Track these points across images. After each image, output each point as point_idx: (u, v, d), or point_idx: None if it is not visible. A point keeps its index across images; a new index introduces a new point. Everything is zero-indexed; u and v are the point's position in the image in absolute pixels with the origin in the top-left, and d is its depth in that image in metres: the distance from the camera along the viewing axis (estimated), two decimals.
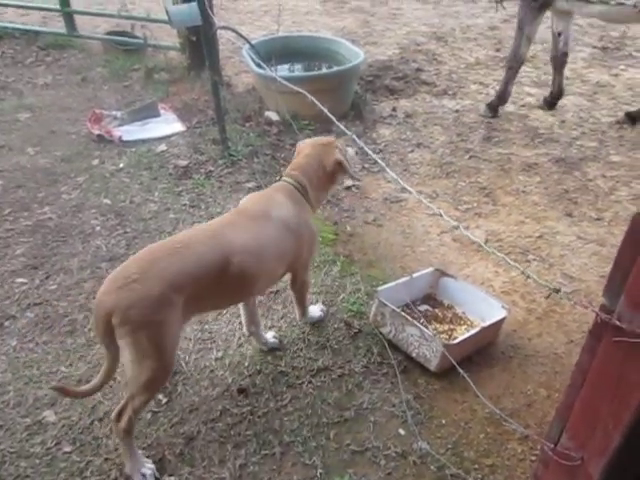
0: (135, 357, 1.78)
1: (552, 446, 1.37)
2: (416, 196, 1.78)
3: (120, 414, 1.87)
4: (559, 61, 4.73)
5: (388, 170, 2.06)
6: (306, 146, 2.41)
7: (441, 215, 1.53)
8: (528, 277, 1.16)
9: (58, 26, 6.61)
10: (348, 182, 3.90)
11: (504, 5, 4.93)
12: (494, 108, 4.79)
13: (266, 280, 2.19)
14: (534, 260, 3.15)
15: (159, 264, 1.81)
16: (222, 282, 1.93)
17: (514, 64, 4.66)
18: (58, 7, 6.30)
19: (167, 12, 3.64)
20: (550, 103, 4.91)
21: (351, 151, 2.51)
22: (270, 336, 2.53)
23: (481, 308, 2.59)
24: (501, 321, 2.50)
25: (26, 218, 3.44)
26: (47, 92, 5.26)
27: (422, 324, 2.34)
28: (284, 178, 2.30)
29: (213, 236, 1.98)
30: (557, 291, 1.11)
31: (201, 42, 3.88)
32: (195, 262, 1.86)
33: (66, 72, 5.69)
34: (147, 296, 1.73)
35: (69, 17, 6.31)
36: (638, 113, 4.62)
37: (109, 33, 6.19)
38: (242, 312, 2.51)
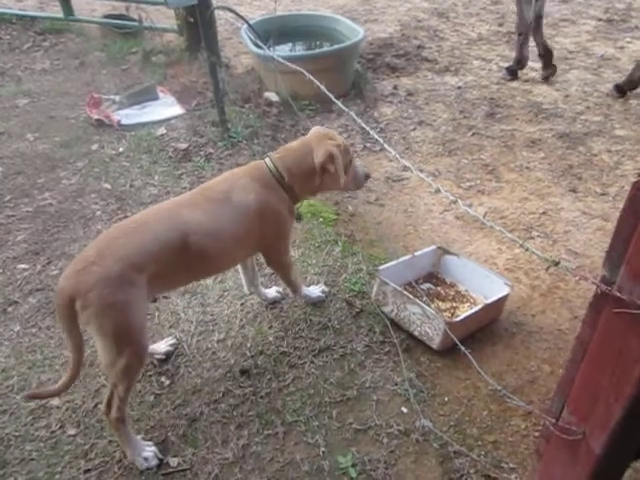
0: (104, 343, 1.75)
1: (554, 421, 1.35)
2: (415, 172, 1.75)
3: (109, 405, 1.86)
4: (536, 24, 4.76)
5: (388, 147, 2.03)
6: (311, 133, 2.31)
7: (439, 190, 1.51)
8: (527, 250, 1.14)
9: (55, 10, 6.55)
10: None
11: None
12: (513, 72, 4.97)
13: (227, 259, 2.17)
14: (538, 237, 3.12)
15: (116, 244, 1.79)
16: (182, 260, 1.91)
17: (522, 29, 4.78)
18: None
19: None
20: (546, 65, 4.91)
21: (361, 168, 2.42)
22: (273, 290, 2.63)
23: (484, 285, 2.57)
24: (504, 298, 2.47)
25: (26, 204, 3.43)
26: (45, 77, 5.22)
27: (424, 302, 2.32)
28: (265, 159, 2.22)
29: (170, 215, 1.95)
30: (556, 263, 1.09)
31: (199, 23, 3.82)
32: (152, 240, 1.84)
33: (64, 57, 5.65)
34: (106, 277, 1.71)
35: (66, 1, 6.23)
36: (626, 84, 4.57)
37: (106, 16, 6.13)
38: (241, 273, 2.55)
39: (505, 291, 2.46)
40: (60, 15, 6.34)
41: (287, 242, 2.34)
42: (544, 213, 3.31)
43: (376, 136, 2.15)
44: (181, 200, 2.09)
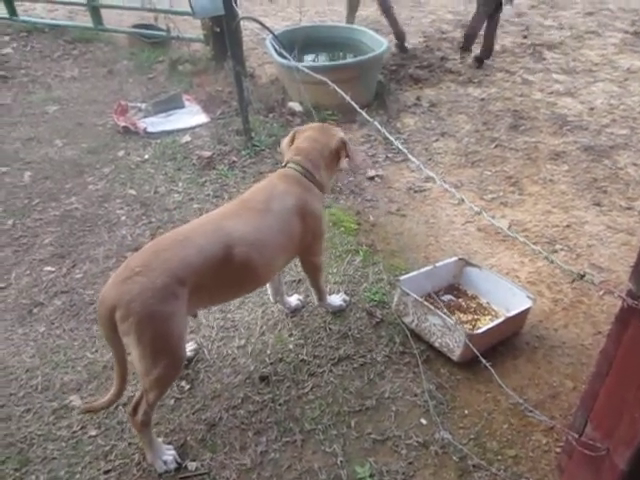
0: (142, 353, 1.75)
1: (576, 436, 1.34)
2: (439, 182, 1.76)
3: (135, 408, 1.88)
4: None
5: (412, 157, 2.04)
6: (305, 130, 2.40)
7: (463, 200, 1.51)
8: (552, 262, 1.13)
9: (85, 20, 6.72)
10: (371, 172, 3.88)
11: None
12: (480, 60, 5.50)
13: (270, 270, 2.17)
14: (561, 250, 3.08)
15: (162, 256, 1.80)
16: (225, 273, 1.92)
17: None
18: (84, 1, 6.39)
19: (190, 2, 3.65)
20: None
21: (354, 148, 2.56)
22: (294, 299, 2.65)
23: (506, 298, 2.54)
24: (526, 311, 2.45)
25: (54, 208, 3.50)
26: (74, 85, 5.35)
27: (445, 313, 2.31)
28: (289, 164, 2.27)
29: (213, 229, 1.97)
30: (582, 276, 1.08)
31: (224, 33, 3.88)
32: (197, 254, 1.85)
33: (92, 65, 5.78)
34: (150, 288, 1.72)
35: (95, 11, 6.40)
36: (483, 54, 5.32)
37: (134, 26, 6.27)
38: (268, 284, 2.56)
39: (527, 304, 2.44)
40: (90, 25, 6.51)
41: (323, 241, 2.40)
42: (568, 226, 3.27)
43: (399, 146, 2.16)
44: (223, 212, 2.11)
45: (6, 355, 2.46)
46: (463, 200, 1.51)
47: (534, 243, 3.13)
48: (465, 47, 5.62)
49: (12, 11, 6.69)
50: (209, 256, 1.87)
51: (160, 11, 5.74)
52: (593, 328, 2.57)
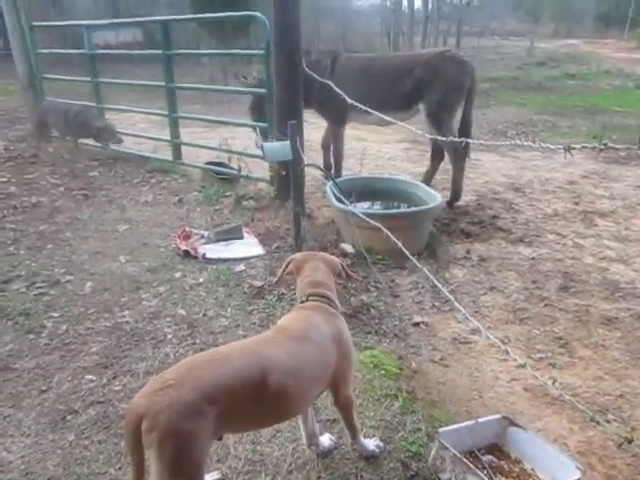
0: (161, 469, 1.72)
1: None
2: (484, 331, 1.76)
3: None
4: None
5: (457, 304, 2.07)
6: (305, 260, 2.49)
7: (507, 352, 1.50)
8: (598, 423, 1.09)
9: (166, 154, 7.46)
10: (417, 318, 3.89)
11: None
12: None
13: (303, 401, 2.14)
14: (614, 420, 2.89)
15: (195, 372, 1.82)
16: (258, 399, 1.91)
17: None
18: (169, 138, 7.16)
19: (261, 147, 4.04)
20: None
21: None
22: (326, 438, 2.55)
23: (552, 466, 2.36)
24: None
25: (106, 319, 3.64)
26: (146, 209, 5.80)
27: (486, 475, 2.17)
28: (312, 297, 2.33)
29: (252, 351, 2.00)
30: (630, 441, 1.03)
31: (289, 176, 4.21)
32: (231, 374, 1.86)
33: (166, 193, 6.30)
34: (178, 402, 1.72)
35: (177, 147, 7.13)
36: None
37: (208, 163, 6.89)
38: (302, 428, 2.50)
39: (576, 476, 2.25)
40: (169, 158, 7.23)
41: (353, 371, 2.37)
42: (621, 396, 3.10)
43: (447, 294, 2.21)
44: (262, 338, 2.17)
45: (32, 460, 2.45)
46: (507, 352, 1.50)
47: (584, 410, 2.96)
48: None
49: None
50: (243, 378, 1.88)
51: (234, 152, 6.32)
52: None
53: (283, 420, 2.28)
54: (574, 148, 1.66)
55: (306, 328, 2.17)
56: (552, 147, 1.89)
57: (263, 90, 5.87)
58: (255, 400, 1.91)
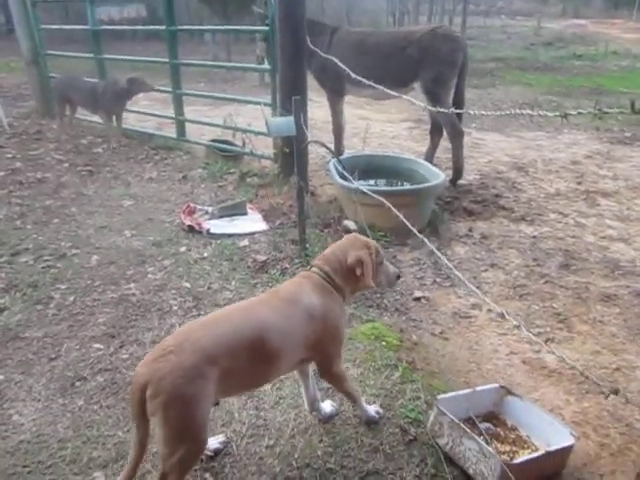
0: (166, 433, 1.79)
1: None
2: (487, 300, 1.81)
3: None
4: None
5: (464, 279, 2.13)
6: (346, 238, 2.50)
7: (503, 315, 1.55)
8: (587, 377, 1.14)
9: (170, 131, 7.48)
10: (418, 293, 3.95)
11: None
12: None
13: (286, 363, 2.18)
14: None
15: (195, 335, 1.89)
16: (253, 358, 1.98)
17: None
18: (173, 115, 7.16)
19: (267, 122, 4.06)
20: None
21: (392, 268, 2.55)
22: (327, 404, 2.60)
23: (547, 433, 2.43)
24: (568, 449, 2.33)
25: (113, 291, 3.71)
26: (151, 185, 5.84)
27: (482, 440, 2.23)
28: (312, 268, 2.37)
29: (248, 312, 2.09)
30: (616, 392, 1.09)
31: (293, 153, 4.24)
32: (230, 334, 1.93)
33: (170, 170, 6.34)
34: (180, 367, 1.78)
35: (181, 124, 7.13)
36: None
37: (212, 140, 6.90)
38: (304, 394, 2.57)
39: (570, 441, 2.32)
40: (173, 135, 7.24)
41: (342, 348, 2.40)
42: (617, 369, 3.16)
43: (452, 268, 2.25)
44: (256, 300, 2.25)
45: (43, 423, 2.53)
46: (504, 315, 1.55)
47: (580, 382, 3.03)
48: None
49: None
50: (241, 336, 1.95)
51: (239, 129, 6.33)
52: None
53: (273, 379, 2.37)
54: (570, 114, 1.69)
55: (297, 292, 2.23)
56: (550, 115, 1.92)
57: (267, 28, 5.73)
58: (251, 358, 1.98)
